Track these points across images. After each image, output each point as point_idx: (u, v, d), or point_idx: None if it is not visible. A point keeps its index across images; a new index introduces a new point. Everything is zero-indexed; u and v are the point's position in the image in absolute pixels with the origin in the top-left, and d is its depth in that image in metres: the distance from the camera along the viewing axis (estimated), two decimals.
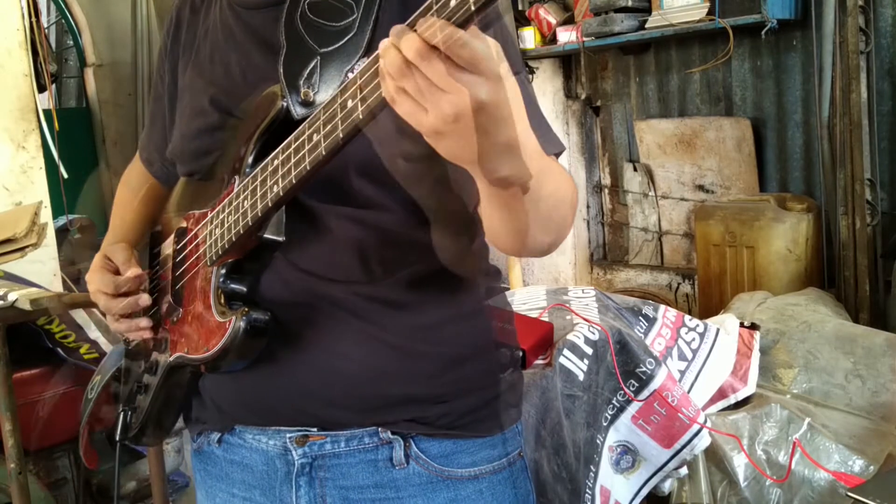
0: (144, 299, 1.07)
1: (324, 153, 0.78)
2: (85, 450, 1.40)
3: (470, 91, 0.66)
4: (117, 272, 1.10)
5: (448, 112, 0.67)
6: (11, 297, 2.01)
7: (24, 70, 3.23)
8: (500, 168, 0.74)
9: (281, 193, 0.84)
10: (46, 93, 3.83)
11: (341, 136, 0.75)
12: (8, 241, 2.30)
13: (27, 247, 2.32)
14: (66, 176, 3.77)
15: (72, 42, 5.45)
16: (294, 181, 0.82)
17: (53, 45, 5.91)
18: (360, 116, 0.73)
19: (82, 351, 2.42)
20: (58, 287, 3.13)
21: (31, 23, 3.40)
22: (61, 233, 3.74)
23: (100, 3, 5.18)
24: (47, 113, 3.52)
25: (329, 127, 0.76)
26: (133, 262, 1.09)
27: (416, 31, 0.67)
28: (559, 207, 0.85)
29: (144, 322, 1.09)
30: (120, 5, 5.13)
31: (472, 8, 0.63)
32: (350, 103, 0.74)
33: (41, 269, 3.06)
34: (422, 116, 0.69)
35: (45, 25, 5.07)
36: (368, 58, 0.91)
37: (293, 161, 0.82)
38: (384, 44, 0.69)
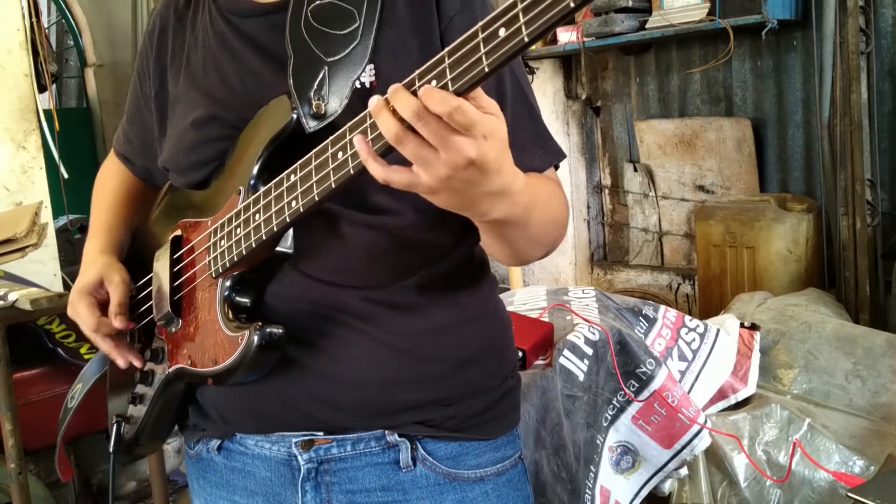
0: (131, 357, 1.06)
1: (352, 172, 0.76)
2: (60, 460, 1.36)
3: (462, 152, 0.68)
4: (106, 303, 1.08)
5: (442, 173, 0.69)
6: (11, 297, 2.01)
7: (24, 70, 3.23)
8: (492, 212, 0.76)
9: (301, 210, 0.82)
10: (47, 93, 3.82)
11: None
12: (8, 241, 2.30)
13: (27, 247, 2.31)
14: (66, 176, 3.77)
15: (72, 42, 5.45)
16: (317, 198, 0.80)
17: (54, 45, 5.90)
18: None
19: (83, 351, 2.41)
20: (58, 287, 3.13)
21: (31, 23, 3.40)
22: (61, 233, 3.74)
23: (100, 3, 5.18)
24: (48, 113, 3.52)
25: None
26: (125, 307, 1.07)
27: (412, 91, 0.68)
28: (550, 229, 0.89)
29: (134, 359, 1.07)
30: (120, 5, 5.12)
31: (484, 72, 0.65)
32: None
33: (41, 269, 3.06)
34: (417, 180, 0.71)
35: (46, 26, 5.07)
36: (374, 64, 0.92)
37: (315, 178, 0.79)
38: (375, 104, 0.70)
